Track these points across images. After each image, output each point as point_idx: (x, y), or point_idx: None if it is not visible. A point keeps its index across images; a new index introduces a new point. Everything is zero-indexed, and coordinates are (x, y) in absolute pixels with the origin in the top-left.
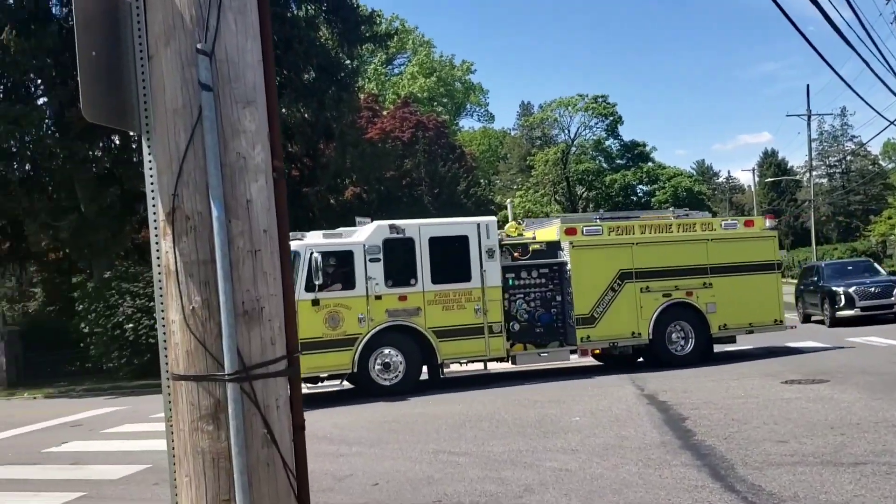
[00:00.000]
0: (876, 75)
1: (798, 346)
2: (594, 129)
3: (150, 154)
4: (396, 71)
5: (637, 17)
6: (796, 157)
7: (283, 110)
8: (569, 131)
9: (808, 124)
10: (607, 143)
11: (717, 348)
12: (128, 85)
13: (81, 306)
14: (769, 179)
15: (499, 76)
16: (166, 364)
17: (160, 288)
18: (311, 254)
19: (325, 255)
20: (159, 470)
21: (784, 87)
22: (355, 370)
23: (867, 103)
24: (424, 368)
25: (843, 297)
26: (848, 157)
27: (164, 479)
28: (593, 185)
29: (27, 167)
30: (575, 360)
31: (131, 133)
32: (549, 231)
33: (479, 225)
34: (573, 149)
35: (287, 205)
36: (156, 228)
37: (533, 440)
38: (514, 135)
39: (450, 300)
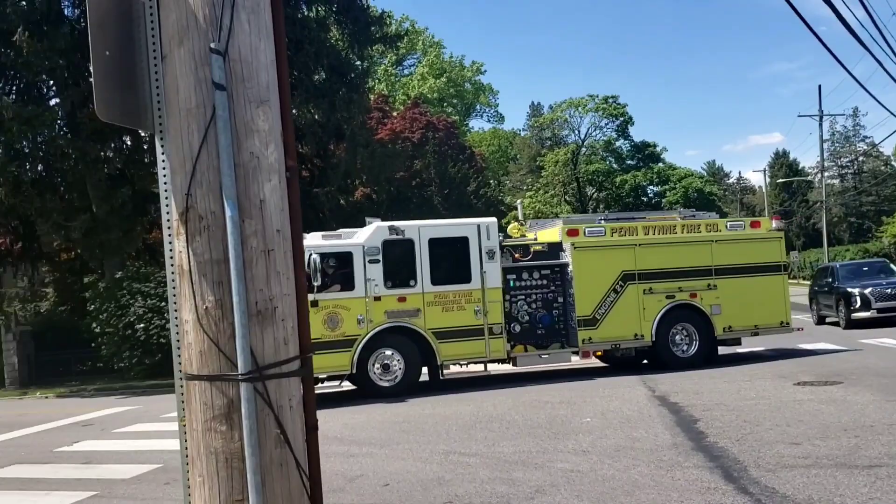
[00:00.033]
0: (889, 75)
1: (810, 348)
2: (604, 129)
3: (163, 154)
4: (406, 72)
5: (647, 17)
6: (808, 158)
7: (294, 111)
8: (579, 132)
9: (820, 124)
10: (618, 143)
11: (729, 350)
12: (141, 84)
13: (93, 306)
14: (780, 180)
15: (509, 77)
16: (179, 364)
17: (173, 288)
18: (311, 255)
19: (325, 256)
20: (170, 469)
21: (796, 88)
22: (354, 371)
23: (880, 103)
24: (425, 370)
25: (858, 298)
26: (860, 158)
27: (175, 479)
28: (604, 185)
29: (39, 168)
30: (576, 362)
31: (143, 133)
32: (551, 232)
33: (479, 226)
34: (583, 149)
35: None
36: (169, 228)
37: (543, 441)
38: (523, 135)
39: (449, 301)
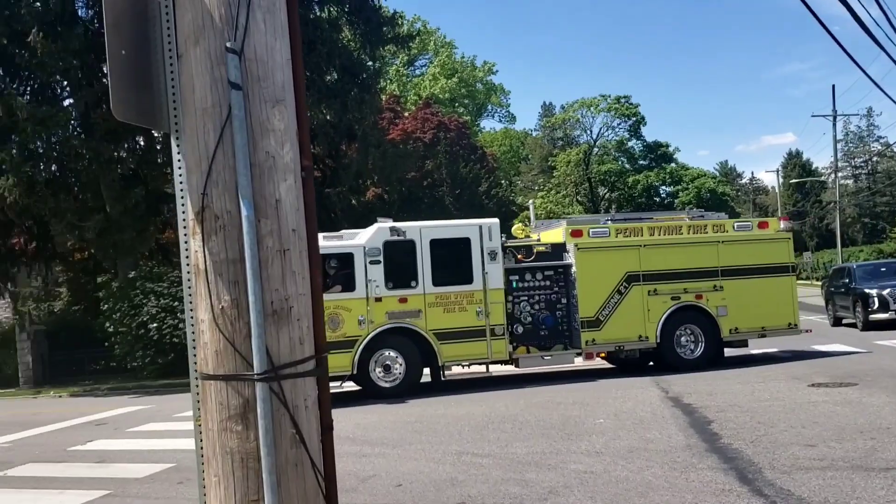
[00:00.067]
0: None
1: (825, 350)
2: (617, 129)
3: (179, 153)
4: (418, 72)
5: (659, 18)
6: (821, 159)
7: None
8: (591, 132)
9: (834, 124)
10: (630, 143)
11: (742, 351)
12: (157, 84)
13: (106, 306)
14: (794, 181)
15: (520, 77)
16: (195, 363)
17: (189, 287)
18: None
19: (326, 257)
20: (183, 469)
21: (808, 89)
22: (355, 372)
23: (895, 103)
24: (426, 371)
25: (876, 299)
26: (874, 158)
27: (188, 478)
28: (616, 186)
29: (53, 168)
30: (580, 364)
31: (156, 133)
32: (554, 233)
33: (480, 227)
34: (595, 149)
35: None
36: (185, 228)
37: (556, 442)
38: (535, 135)
39: (451, 302)
